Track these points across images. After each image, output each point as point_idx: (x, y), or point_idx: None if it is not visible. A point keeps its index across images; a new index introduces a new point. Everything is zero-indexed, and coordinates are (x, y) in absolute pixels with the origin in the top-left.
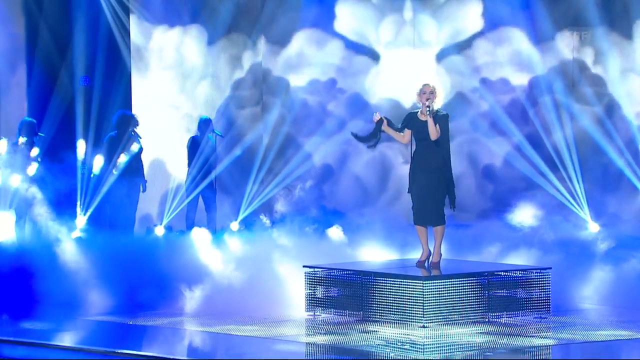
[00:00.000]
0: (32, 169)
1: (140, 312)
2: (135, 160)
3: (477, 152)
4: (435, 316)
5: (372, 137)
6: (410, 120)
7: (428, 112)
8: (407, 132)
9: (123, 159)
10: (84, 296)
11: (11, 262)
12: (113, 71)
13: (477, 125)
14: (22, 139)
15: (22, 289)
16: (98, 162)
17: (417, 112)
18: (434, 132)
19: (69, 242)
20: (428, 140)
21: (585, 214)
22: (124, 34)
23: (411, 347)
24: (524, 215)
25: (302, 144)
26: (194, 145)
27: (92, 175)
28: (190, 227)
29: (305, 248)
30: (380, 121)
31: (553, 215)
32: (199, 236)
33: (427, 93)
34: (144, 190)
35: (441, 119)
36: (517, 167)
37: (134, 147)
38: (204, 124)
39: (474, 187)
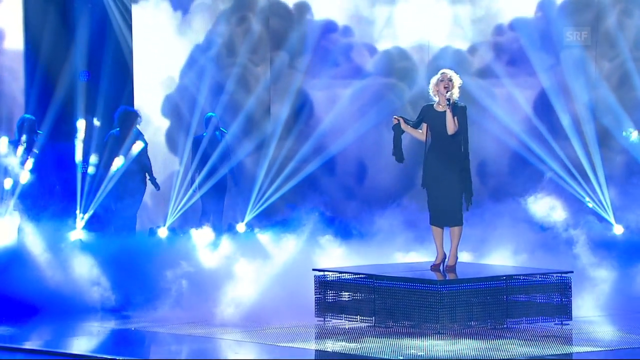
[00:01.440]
0: (25, 175)
1: (143, 317)
2: (140, 159)
3: (487, 129)
4: (451, 322)
5: (395, 150)
6: (427, 113)
7: (448, 105)
8: (425, 129)
9: (120, 161)
10: (85, 300)
11: (9, 265)
12: (114, 66)
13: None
14: (21, 148)
15: (21, 293)
16: (99, 160)
17: (433, 104)
18: (451, 125)
19: (69, 244)
20: (445, 133)
21: (608, 215)
22: (126, 27)
23: (426, 354)
24: (542, 214)
25: (320, 126)
26: (197, 144)
27: (91, 174)
28: (206, 221)
29: (313, 251)
30: (397, 125)
31: (575, 216)
32: (203, 238)
33: (445, 80)
34: (158, 188)
35: (459, 110)
36: (531, 157)
37: (137, 146)
38: (209, 121)
39: (478, 177)
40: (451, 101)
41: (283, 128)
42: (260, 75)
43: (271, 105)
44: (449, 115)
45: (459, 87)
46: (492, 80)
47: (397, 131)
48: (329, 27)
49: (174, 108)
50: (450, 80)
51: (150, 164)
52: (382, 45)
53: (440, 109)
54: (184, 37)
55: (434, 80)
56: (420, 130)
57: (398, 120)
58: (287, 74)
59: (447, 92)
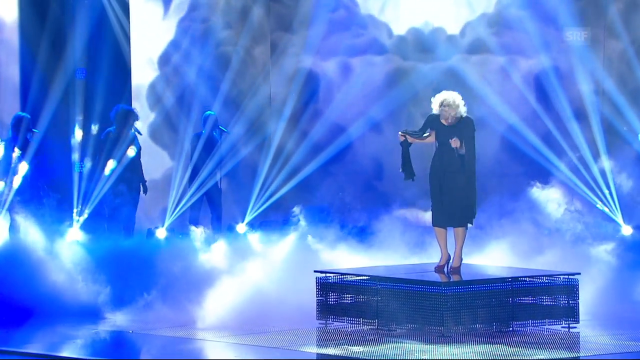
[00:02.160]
0: (20, 174)
1: (141, 320)
2: (134, 161)
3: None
4: (456, 325)
5: (405, 167)
6: (432, 123)
7: (457, 155)
8: (432, 133)
9: (114, 163)
10: (82, 302)
11: (4, 267)
12: (112, 63)
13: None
14: (16, 152)
15: (17, 296)
16: (95, 159)
17: (439, 114)
18: (460, 150)
19: (65, 245)
20: (451, 145)
21: (617, 216)
22: (124, 23)
23: (429, 357)
24: (548, 213)
25: (327, 113)
26: (197, 142)
27: (87, 174)
28: (193, 222)
29: (314, 252)
30: (404, 141)
31: (582, 216)
32: (202, 239)
33: (448, 108)
34: (145, 191)
35: (467, 125)
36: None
37: (131, 151)
38: (209, 119)
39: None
40: (459, 150)
41: (285, 123)
42: (259, 58)
43: (272, 95)
44: (455, 144)
45: (464, 105)
46: (487, 56)
47: (405, 146)
48: (333, 3)
49: (170, 99)
50: (451, 107)
51: (141, 167)
52: (393, 23)
53: (446, 123)
54: (180, 26)
55: (436, 101)
56: (427, 134)
57: (404, 136)
58: (289, 55)
59: (455, 144)
